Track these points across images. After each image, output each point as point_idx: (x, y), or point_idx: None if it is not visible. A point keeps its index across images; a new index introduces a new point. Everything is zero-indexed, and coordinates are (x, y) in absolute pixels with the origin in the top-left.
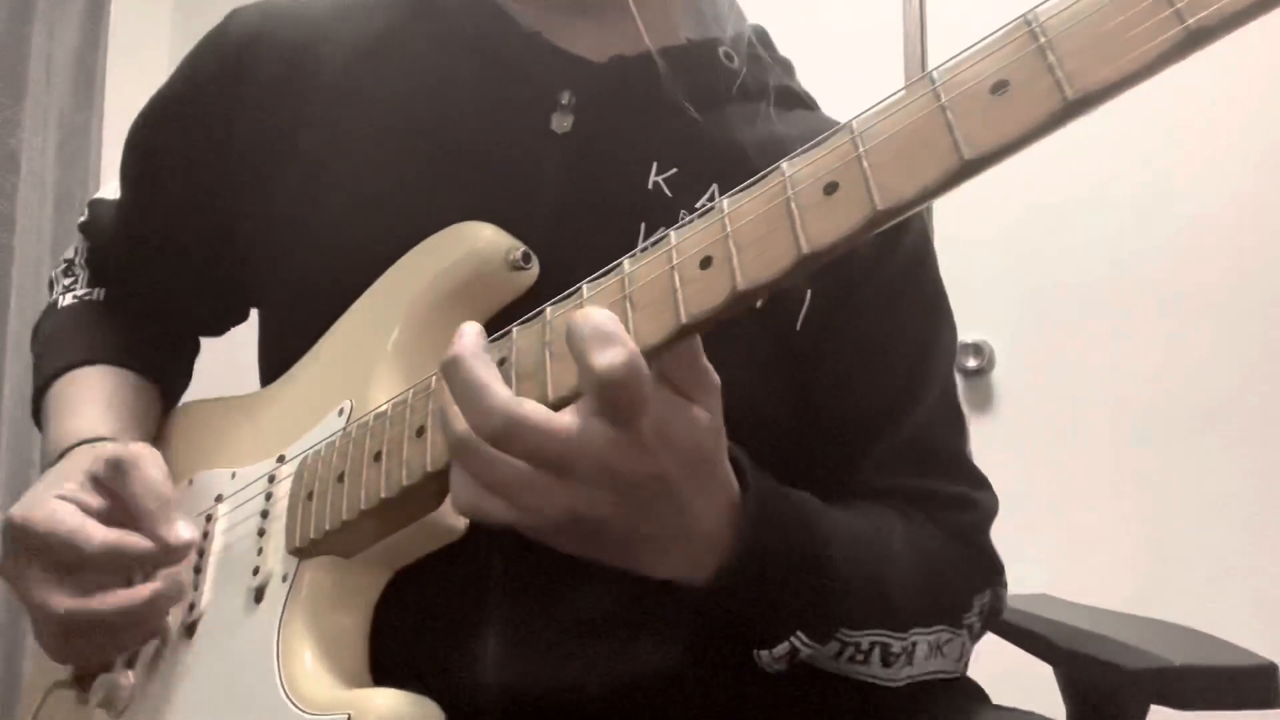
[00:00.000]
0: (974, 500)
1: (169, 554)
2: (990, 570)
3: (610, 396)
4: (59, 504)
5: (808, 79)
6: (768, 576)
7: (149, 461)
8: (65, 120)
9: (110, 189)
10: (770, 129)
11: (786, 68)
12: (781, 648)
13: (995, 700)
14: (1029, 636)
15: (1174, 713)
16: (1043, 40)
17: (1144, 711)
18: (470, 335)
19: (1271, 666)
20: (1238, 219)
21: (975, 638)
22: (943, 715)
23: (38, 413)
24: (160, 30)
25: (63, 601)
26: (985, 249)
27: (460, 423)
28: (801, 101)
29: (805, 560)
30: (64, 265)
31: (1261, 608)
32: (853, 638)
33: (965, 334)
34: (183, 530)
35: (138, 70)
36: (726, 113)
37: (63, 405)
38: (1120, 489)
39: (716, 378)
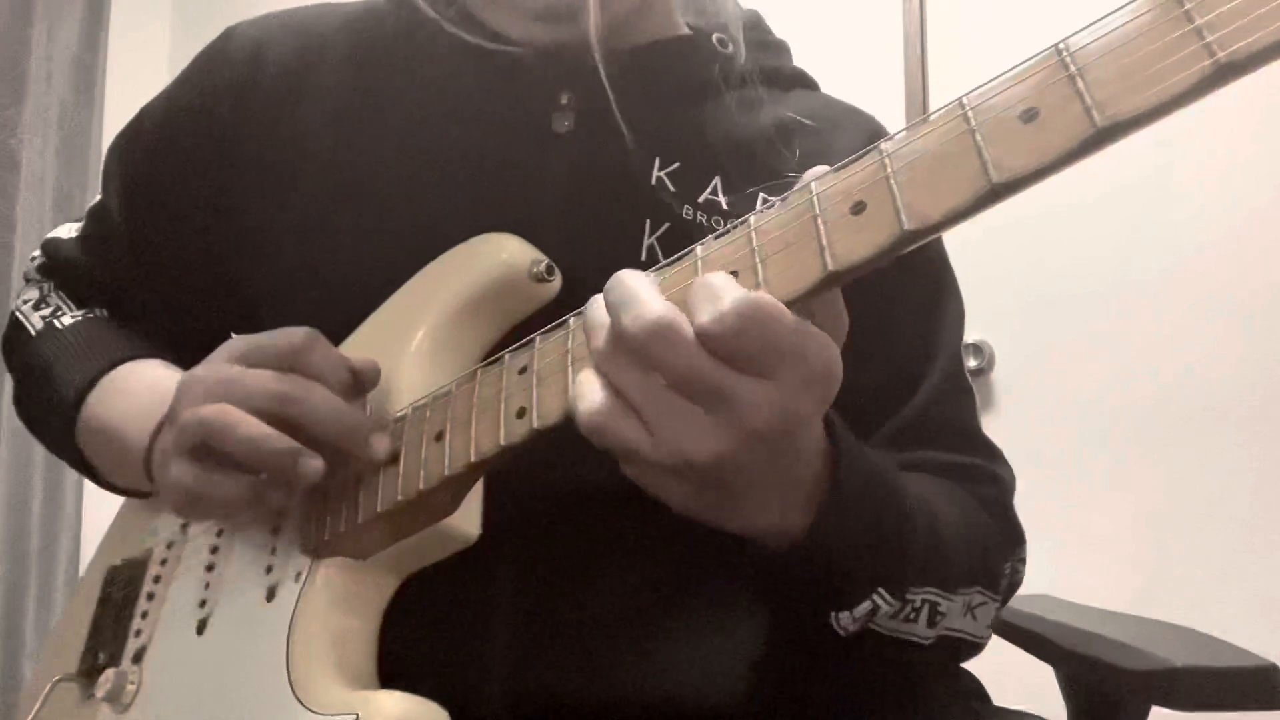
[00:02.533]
0: (993, 473)
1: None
2: (1014, 540)
3: (728, 345)
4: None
5: None
6: (860, 527)
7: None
8: (65, 120)
9: (66, 228)
10: (771, 112)
11: (782, 49)
12: (864, 606)
13: (996, 700)
14: (1030, 637)
15: (1174, 713)
16: (1073, 68)
17: (1145, 712)
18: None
19: (1272, 667)
20: (1238, 219)
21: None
22: (943, 715)
23: (66, 419)
24: (160, 30)
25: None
26: (985, 249)
27: (615, 321)
28: (801, 81)
29: (889, 512)
30: (33, 300)
31: (1261, 608)
32: (914, 595)
33: (965, 334)
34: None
35: (138, 70)
36: (725, 101)
37: (126, 390)
38: (1120, 489)
39: (846, 316)
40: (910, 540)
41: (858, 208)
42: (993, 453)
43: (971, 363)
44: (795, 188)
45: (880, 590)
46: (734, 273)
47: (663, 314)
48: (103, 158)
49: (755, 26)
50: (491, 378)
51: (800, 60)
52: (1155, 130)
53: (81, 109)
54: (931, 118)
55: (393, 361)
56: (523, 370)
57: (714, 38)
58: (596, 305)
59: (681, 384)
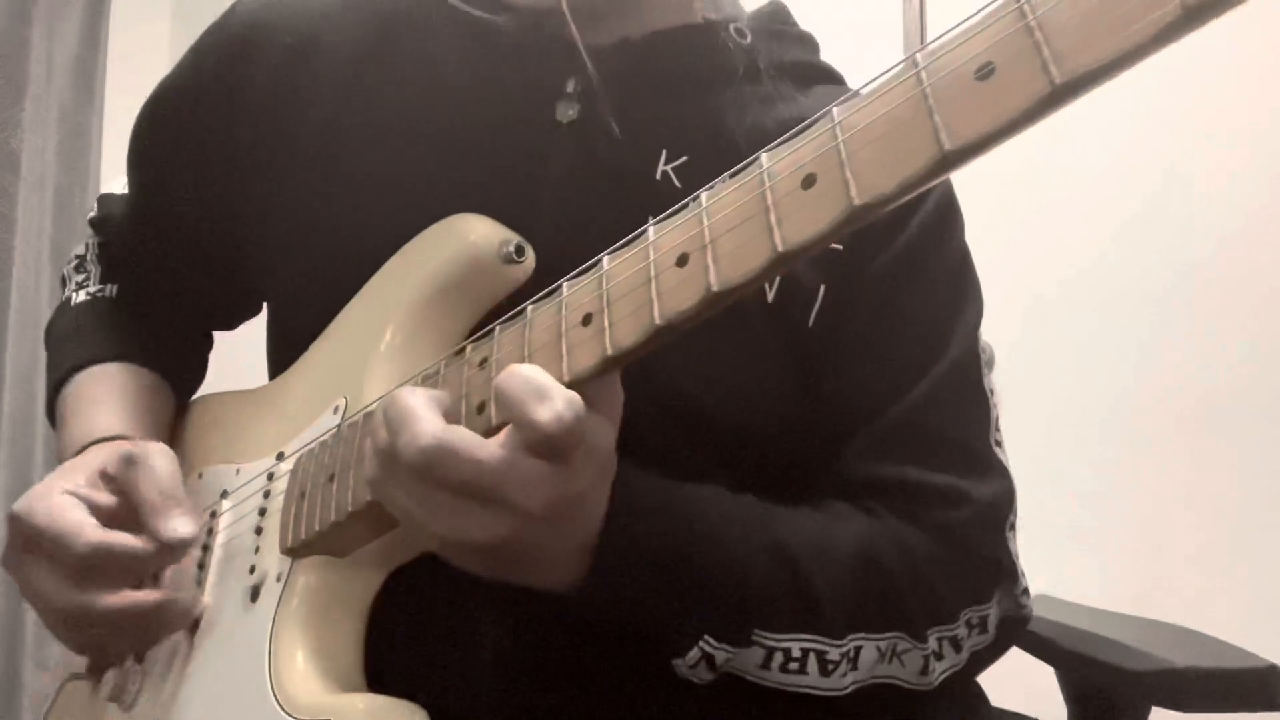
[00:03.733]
0: (964, 493)
1: (164, 551)
2: (990, 577)
3: (554, 444)
4: (62, 499)
5: None
6: (640, 568)
7: (159, 457)
8: (65, 120)
9: (120, 183)
10: (789, 109)
11: (808, 43)
12: (694, 653)
13: (996, 701)
14: (1030, 637)
15: (1174, 713)
16: (1030, 18)
17: (1145, 713)
18: (415, 388)
19: (1272, 668)
20: (1238, 219)
21: (975, 651)
22: (941, 716)
23: (52, 412)
24: (160, 30)
25: (66, 596)
26: (985, 248)
27: (391, 442)
28: (826, 76)
29: (686, 553)
30: (75, 261)
31: (1261, 608)
32: (778, 642)
33: None
34: (179, 526)
35: (138, 70)
36: (740, 94)
37: (77, 404)
38: (1120, 489)
39: (621, 392)
40: (725, 583)
41: (808, 181)
42: (980, 469)
43: None
44: (744, 163)
45: (708, 638)
46: (685, 256)
47: (434, 440)
48: (103, 158)
49: (779, 18)
50: (453, 372)
51: None
52: (1158, 130)
53: (81, 109)
54: (886, 78)
55: (367, 353)
56: (483, 363)
57: (731, 28)
58: (385, 409)
59: (459, 492)
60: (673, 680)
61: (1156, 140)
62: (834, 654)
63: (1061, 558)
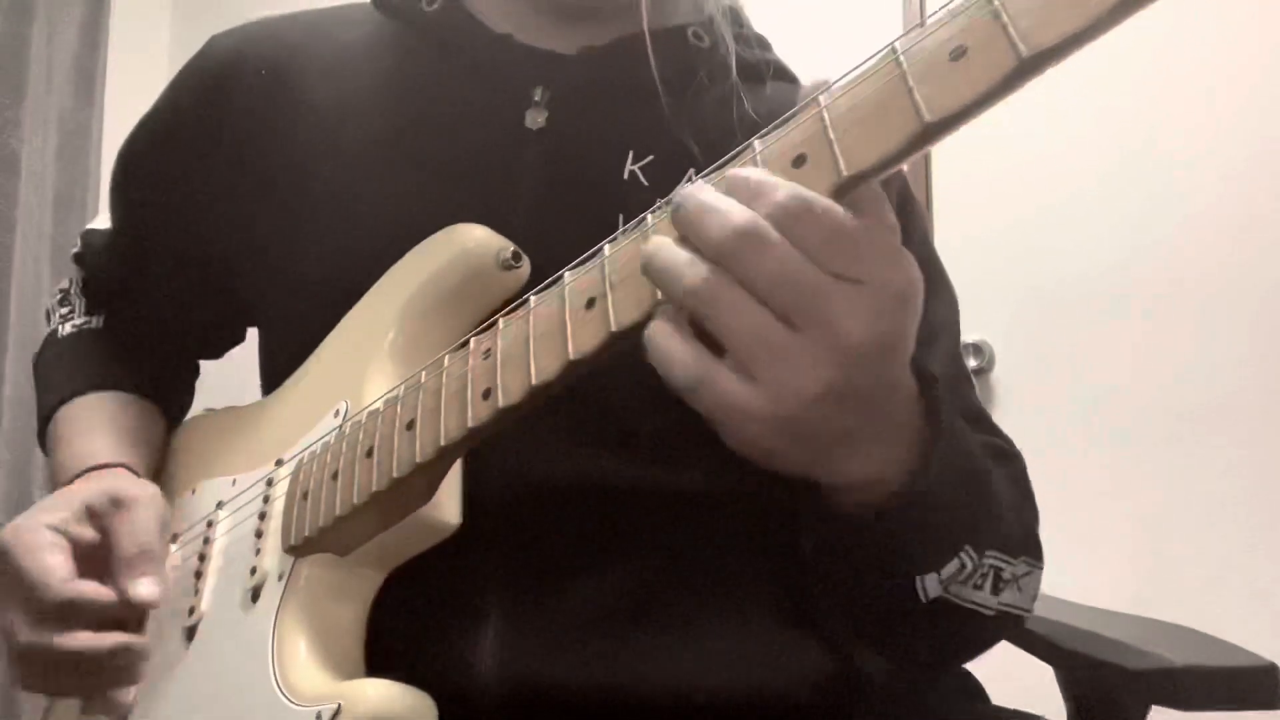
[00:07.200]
0: (1011, 452)
1: (128, 608)
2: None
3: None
4: (42, 536)
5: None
6: (955, 477)
7: (144, 507)
8: (65, 120)
9: (102, 219)
10: (749, 104)
11: (761, 43)
12: (952, 566)
13: (996, 700)
14: (1029, 636)
15: (1174, 713)
16: (997, 2)
17: (1144, 712)
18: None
19: (1272, 667)
20: (1237, 218)
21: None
22: (942, 714)
23: (43, 442)
24: (160, 30)
25: (25, 632)
26: (985, 249)
27: (702, 231)
28: (780, 73)
29: (975, 464)
30: (59, 295)
31: (1262, 608)
32: (988, 557)
33: (965, 334)
34: (143, 589)
35: (138, 70)
36: (701, 94)
37: (69, 432)
38: (1120, 489)
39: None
40: (993, 494)
41: (798, 161)
42: (1003, 434)
43: (971, 363)
44: (738, 149)
45: (966, 548)
46: (684, 236)
47: (750, 218)
48: (103, 158)
49: (733, 20)
50: (458, 363)
51: (800, 60)
52: (1155, 129)
53: (81, 109)
54: (867, 65)
55: (368, 358)
56: (487, 353)
57: (689, 31)
58: (667, 250)
59: (778, 290)
60: (670, 664)
61: (1162, 140)
62: (1006, 571)
63: (1061, 558)
